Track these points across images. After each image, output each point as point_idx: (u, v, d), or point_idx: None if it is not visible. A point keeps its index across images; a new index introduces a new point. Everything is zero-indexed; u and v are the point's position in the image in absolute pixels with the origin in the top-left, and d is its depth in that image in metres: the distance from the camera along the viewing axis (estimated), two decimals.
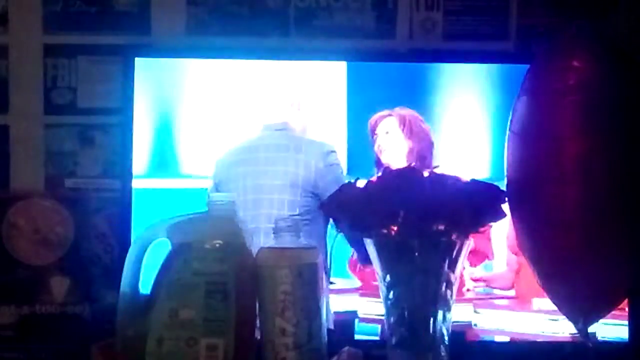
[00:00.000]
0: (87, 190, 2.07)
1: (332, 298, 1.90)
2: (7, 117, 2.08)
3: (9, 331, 2.04)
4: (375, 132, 2.01)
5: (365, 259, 1.58)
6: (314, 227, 1.91)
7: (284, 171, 1.97)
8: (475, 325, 1.96)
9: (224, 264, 1.56)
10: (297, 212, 1.93)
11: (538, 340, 1.94)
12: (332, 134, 2.01)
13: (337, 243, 1.77)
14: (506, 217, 1.57)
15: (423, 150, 2.01)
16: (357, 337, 1.96)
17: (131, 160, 1.96)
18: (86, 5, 2.08)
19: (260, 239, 1.74)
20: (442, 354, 1.53)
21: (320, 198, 1.91)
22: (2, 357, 2.01)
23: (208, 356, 1.54)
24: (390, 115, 2.00)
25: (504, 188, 1.57)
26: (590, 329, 1.58)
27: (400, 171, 1.60)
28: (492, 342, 1.99)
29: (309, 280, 1.57)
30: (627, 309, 1.91)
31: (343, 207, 1.57)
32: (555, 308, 1.60)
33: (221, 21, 2.08)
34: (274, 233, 1.60)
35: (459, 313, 1.70)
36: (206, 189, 1.97)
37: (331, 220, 1.72)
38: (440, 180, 1.55)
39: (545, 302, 1.81)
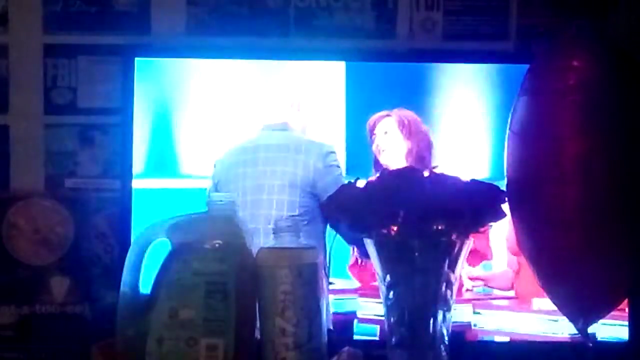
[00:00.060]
0: (87, 190, 2.07)
1: (331, 298, 1.90)
2: (7, 117, 2.08)
3: (9, 331, 2.04)
4: (374, 133, 2.01)
5: (365, 254, 1.58)
6: (314, 227, 1.91)
7: (283, 171, 1.97)
8: (475, 325, 1.96)
9: (224, 264, 1.56)
10: (296, 213, 1.93)
11: (538, 340, 1.94)
12: (331, 134, 2.01)
13: (336, 243, 1.77)
14: (506, 217, 1.57)
15: (422, 151, 2.00)
16: (356, 337, 1.97)
17: (131, 160, 1.96)
18: (86, 5, 2.08)
19: (260, 239, 1.74)
20: (442, 354, 1.53)
21: (319, 198, 1.91)
22: (2, 357, 2.01)
23: (208, 356, 1.54)
24: (389, 115, 2.00)
25: (504, 188, 1.57)
26: (590, 329, 1.58)
27: (400, 171, 1.61)
28: (492, 342, 1.99)
29: (309, 280, 1.57)
30: (627, 309, 1.91)
31: (343, 208, 1.56)
32: (555, 308, 1.60)
33: (221, 21, 2.08)
34: (273, 233, 1.60)
35: (458, 313, 1.70)
36: (206, 189, 1.97)
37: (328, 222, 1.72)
38: (440, 180, 1.55)
39: (545, 302, 1.82)
